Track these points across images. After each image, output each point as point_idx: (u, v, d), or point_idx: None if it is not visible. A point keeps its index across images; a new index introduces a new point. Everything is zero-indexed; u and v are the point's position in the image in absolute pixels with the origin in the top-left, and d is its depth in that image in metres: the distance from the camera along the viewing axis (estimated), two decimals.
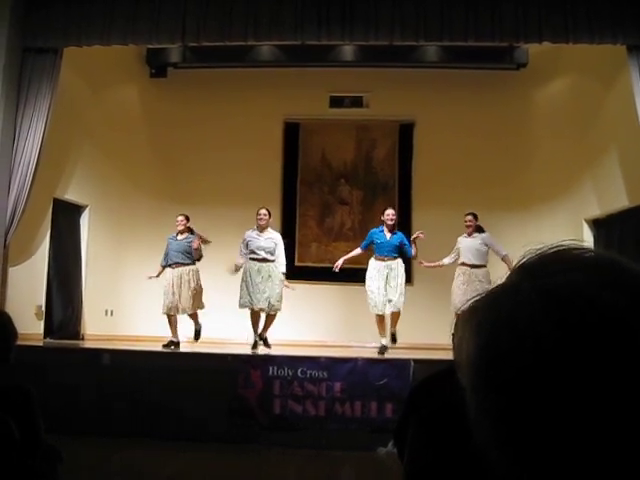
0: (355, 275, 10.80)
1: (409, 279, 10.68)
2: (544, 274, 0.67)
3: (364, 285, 9.91)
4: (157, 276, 10.42)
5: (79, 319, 11.65)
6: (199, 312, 10.36)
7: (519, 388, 0.63)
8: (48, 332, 10.76)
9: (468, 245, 10.08)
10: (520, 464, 0.64)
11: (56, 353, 9.11)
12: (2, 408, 2.17)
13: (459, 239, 10.20)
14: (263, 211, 9.98)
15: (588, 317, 0.61)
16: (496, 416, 0.65)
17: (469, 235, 10.13)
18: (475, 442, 0.69)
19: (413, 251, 9.88)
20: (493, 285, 0.73)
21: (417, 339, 10.49)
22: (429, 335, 10.12)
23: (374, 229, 10.15)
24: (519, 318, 0.64)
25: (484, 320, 0.68)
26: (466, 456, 1.64)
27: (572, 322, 0.61)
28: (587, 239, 11.20)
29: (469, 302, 0.73)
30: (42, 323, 10.63)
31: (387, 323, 9.88)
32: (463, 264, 10.01)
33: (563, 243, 0.70)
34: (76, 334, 11.44)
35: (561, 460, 0.61)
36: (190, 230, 10.39)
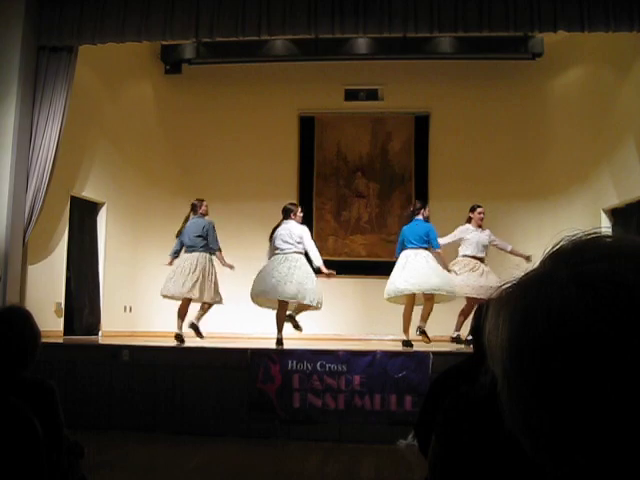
0: (373, 268, 10.78)
1: None
2: (578, 261, 0.67)
3: (382, 278, 9.89)
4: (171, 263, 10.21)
5: (98, 316, 11.71)
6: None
7: (551, 374, 0.63)
8: (68, 329, 10.83)
9: (478, 239, 9.95)
10: (548, 450, 0.65)
11: (76, 350, 9.17)
12: (26, 404, 2.19)
13: (465, 229, 10.01)
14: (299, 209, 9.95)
15: (617, 301, 0.62)
16: (527, 402, 0.66)
17: (478, 227, 10.03)
18: (506, 428, 0.69)
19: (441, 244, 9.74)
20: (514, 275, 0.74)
21: (436, 332, 10.46)
22: (448, 328, 10.10)
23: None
24: (553, 304, 0.65)
25: (518, 307, 0.68)
26: (490, 444, 1.65)
27: (603, 307, 0.62)
28: (605, 229, 11.09)
29: (500, 289, 0.73)
30: (62, 320, 10.70)
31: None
32: (474, 257, 9.90)
33: (596, 230, 0.71)
34: (95, 331, 11.52)
35: (591, 446, 0.62)
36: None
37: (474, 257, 9.89)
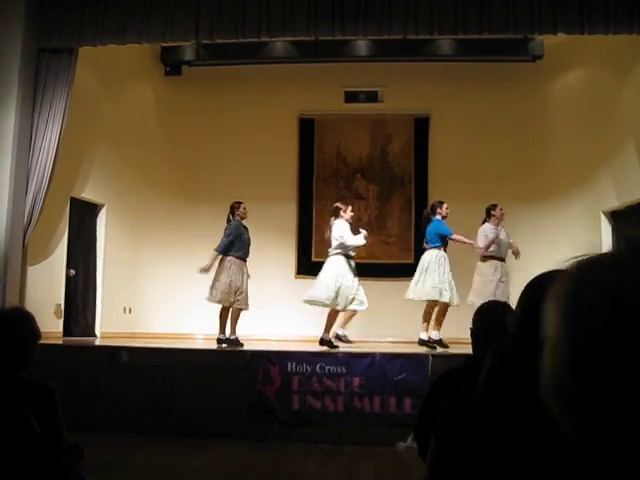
0: (372, 270, 10.75)
1: None
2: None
3: (381, 280, 9.90)
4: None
5: (93, 317, 11.69)
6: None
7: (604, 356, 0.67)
8: (67, 330, 10.83)
9: (504, 238, 9.89)
10: (592, 431, 0.69)
11: (75, 351, 9.17)
12: (25, 404, 2.20)
13: (490, 228, 9.90)
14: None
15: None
16: (580, 384, 0.70)
17: (497, 226, 9.95)
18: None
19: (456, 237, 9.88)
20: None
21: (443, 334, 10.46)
22: (447, 330, 10.11)
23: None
24: (620, 290, 0.69)
25: (586, 292, 0.71)
26: (489, 447, 1.65)
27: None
28: (605, 231, 11.14)
29: (565, 265, 0.78)
30: (61, 321, 10.70)
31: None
32: (500, 259, 9.83)
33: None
34: (91, 332, 11.50)
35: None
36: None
37: (498, 258, 9.85)
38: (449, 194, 12.27)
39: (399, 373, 8.24)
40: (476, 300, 9.27)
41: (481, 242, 9.75)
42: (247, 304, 9.75)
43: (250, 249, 9.94)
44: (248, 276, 9.82)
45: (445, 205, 10.02)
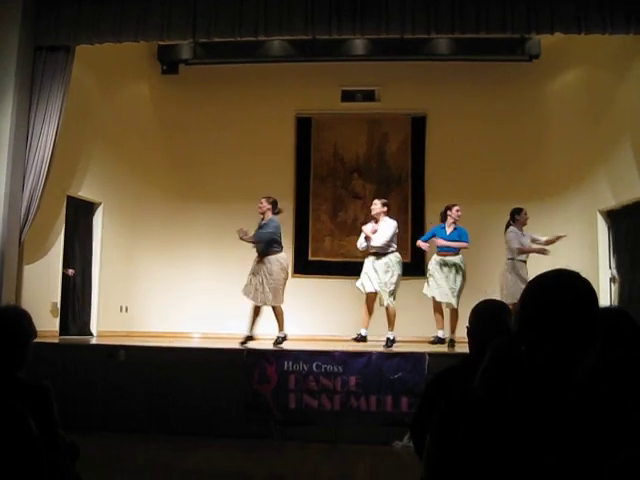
0: None
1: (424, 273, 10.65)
2: None
3: None
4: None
5: (88, 316, 11.67)
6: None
7: None
8: (63, 329, 10.81)
9: (526, 242, 10.06)
10: None
11: (72, 350, 9.15)
12: (20, 403, 2.19)
13: (517, 233, 10.06)
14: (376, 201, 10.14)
15: None
16: None
17: (521, 230, 10.12)
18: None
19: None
20: None
21: (432, 333, 10.47)
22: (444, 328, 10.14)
23: (437, 226, 10.34)
24: None
25: None
26: (485, 444, 1.65)
27: None
28: (601, 230, 11.15)
29: None
30: (57, 320, 10.67)
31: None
32: (524, 261, 9.94)
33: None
34: (87, 331, 11.48)
35: None
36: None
37: (524, 261, 9.92)
38: (446, 192, 12.30)
39: (395, 372, 8.24)
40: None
41: (516, 244, 9.89)
42: (254, 299, 9.58)
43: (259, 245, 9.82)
44: (264, 272, 9.59)
45: (456, 207, 10.22)
